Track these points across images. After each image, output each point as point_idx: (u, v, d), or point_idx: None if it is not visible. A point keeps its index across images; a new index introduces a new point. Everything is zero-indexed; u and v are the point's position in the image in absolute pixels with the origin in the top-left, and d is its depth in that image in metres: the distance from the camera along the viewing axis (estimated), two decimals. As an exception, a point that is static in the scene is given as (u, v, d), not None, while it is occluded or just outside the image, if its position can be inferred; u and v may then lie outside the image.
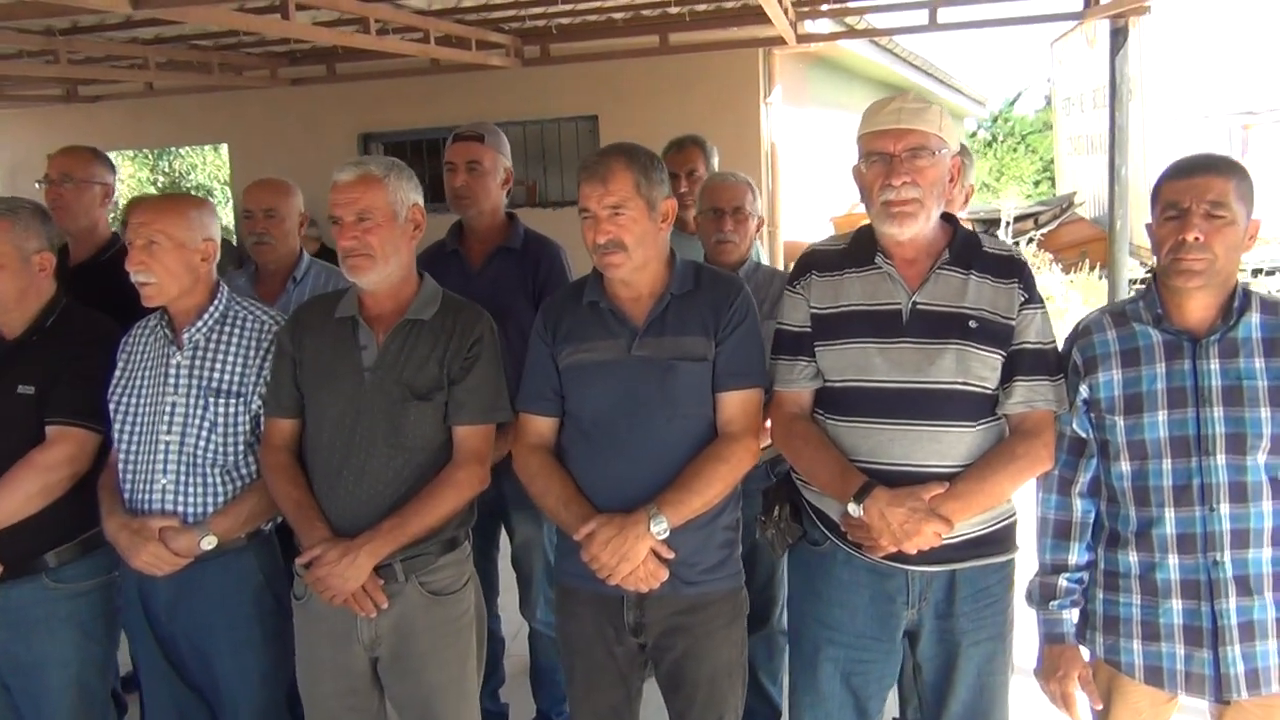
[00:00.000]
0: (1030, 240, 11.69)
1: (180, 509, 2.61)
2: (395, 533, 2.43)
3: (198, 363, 2.65)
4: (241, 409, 2.64)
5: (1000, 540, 2.38)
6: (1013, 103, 28.70)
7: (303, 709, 2.65)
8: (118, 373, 2.74)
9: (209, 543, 2.59)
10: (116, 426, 2.70)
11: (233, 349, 2.67)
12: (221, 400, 2.63)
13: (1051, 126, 36.91)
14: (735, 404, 2.42)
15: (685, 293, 2.45)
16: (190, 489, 2.62)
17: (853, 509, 2.24)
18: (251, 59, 9.18)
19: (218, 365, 2.65)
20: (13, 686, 2.77)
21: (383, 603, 2.45)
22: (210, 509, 2.62)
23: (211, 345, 2.67)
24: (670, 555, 2.35)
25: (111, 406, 2.71)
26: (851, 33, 8.87)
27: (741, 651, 2.53)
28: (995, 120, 27.90)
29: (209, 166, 18.00)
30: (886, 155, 2.29)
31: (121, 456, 2.69)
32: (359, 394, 2.48)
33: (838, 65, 11.52)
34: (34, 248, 2.75)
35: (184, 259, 2.62)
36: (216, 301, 2.70)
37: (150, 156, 17.18)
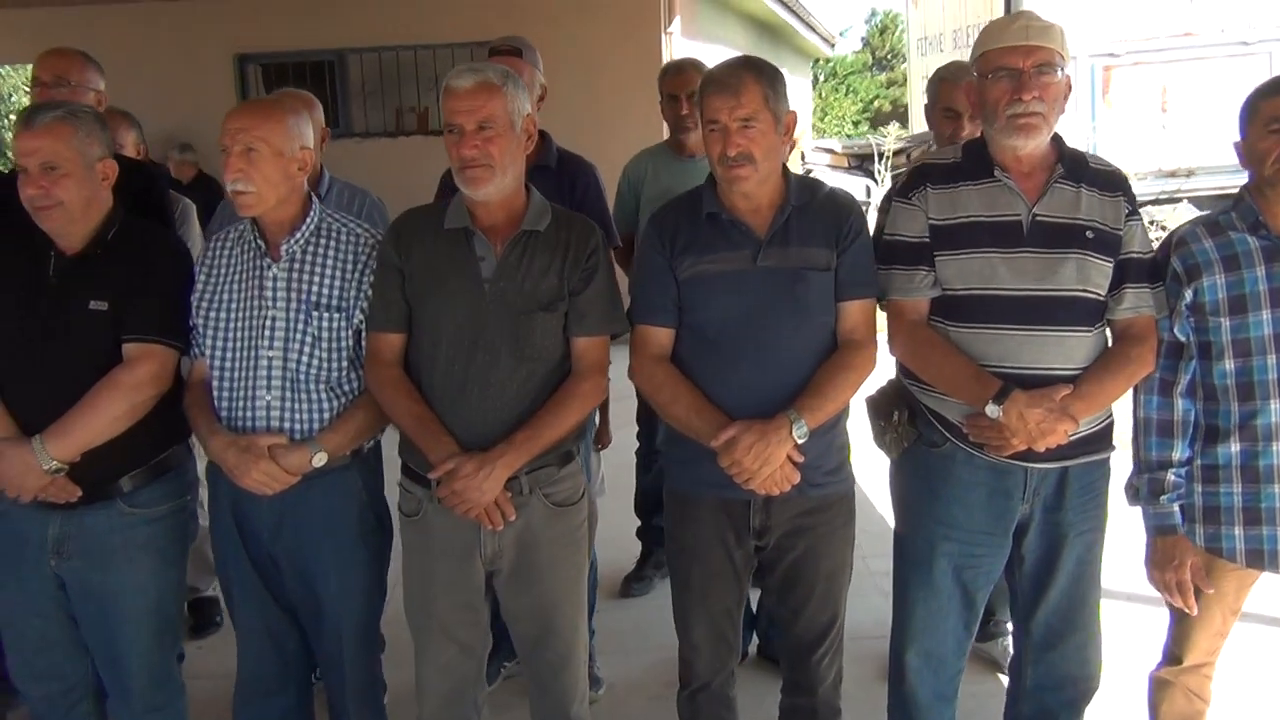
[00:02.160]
0: (901, 173, 12.10)
1: (286, 426, 2.54)
2: (529, 444, 2.42)
3: (295, 275, 2.56)
4: (343, 323, 2.57)
5: (1105, 438, 2.55)
6: (833, 45, 29.54)
7: None
8: (200, 286, 2.63)
9: (320, 460, 2.52)
10: (208, 343, 2.59)
11: (329, 261, 2.59)
12: (324, 314, 2.55)
13: (869, 68, 38.03)
14: (857, 312, 2.50)
15: (803, 204, 2.50)
16: (295, 405, 2.54)
17: (992, 410, 2.35)
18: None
19: (316, 278, 2.57)
20: (83, 616, 2.64)
21: (511, 515, 2.44)
22: (316, 425, 2.55)
23: (309, 258, 2.58)
24: (801, 459, 2.42)
25: (200, 322, 2.60)
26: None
27: (852, 551, 2.64)
28: (816, 62, 28.64)
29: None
30: (1015, 70, 2.38)
31: (216, 373, 2.58)
32: (479, 305, 2.44)
33: (723, 3, 11.61)
34: (97, 154, 2.59)
35: (282, 167, 2.52)
36: (312, 213, 2.60)
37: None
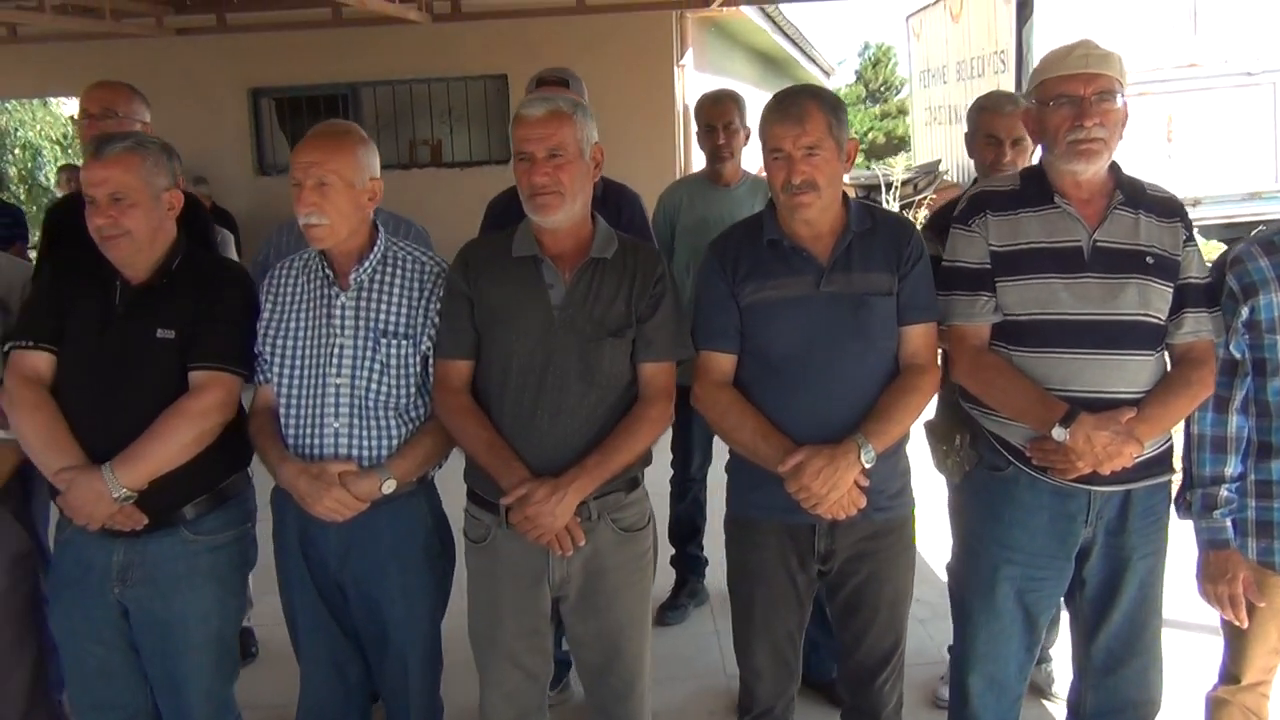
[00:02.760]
0: (910, 204, 12.23)
1: (354, 452, 2.55)
2: (600, 469, 2.44)
3: (363, 304, 2.58)
4: (411, 350, 2.59)
5: (1166, 461, 2.57)
6: (830, 76, 29.86)
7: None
8: (266, 315, 2.65)
9: (389, 486, 2.54)
10: (276, 370, 2.61)
11: (397, 290, 2.61)
12: (392, 341, 2.57)
13: (862, 100, 38.27)
14: (918, 337, 2.53)
15: (864, 230, 2.53)
16: (363, 432, 2.56)
17: (1058, 433, 2.38)
18: (136, 4, 8.71)
19: (384, 306, 2.59)
20: (145, 645, 2.64)
21: (581, 540, 2.46)
22: (384, 452, 2.57)
23: (376, 286, 2.60)
24: (866, 483, 2.44)
25: (266, 350, 2.62)
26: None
27: (913, 576, 2.66)
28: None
29: (39, 123, 16.83)
30: (1076, 97, 2.43)
31: (284, 400, 2.60)
32: (549, 332, 2.47)
33: (727, 32, 11.73)
34: (163, 185, 2.61)
35: (353, 199, 2.55)
36: (379, 242, 2.63)
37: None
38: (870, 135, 31.79)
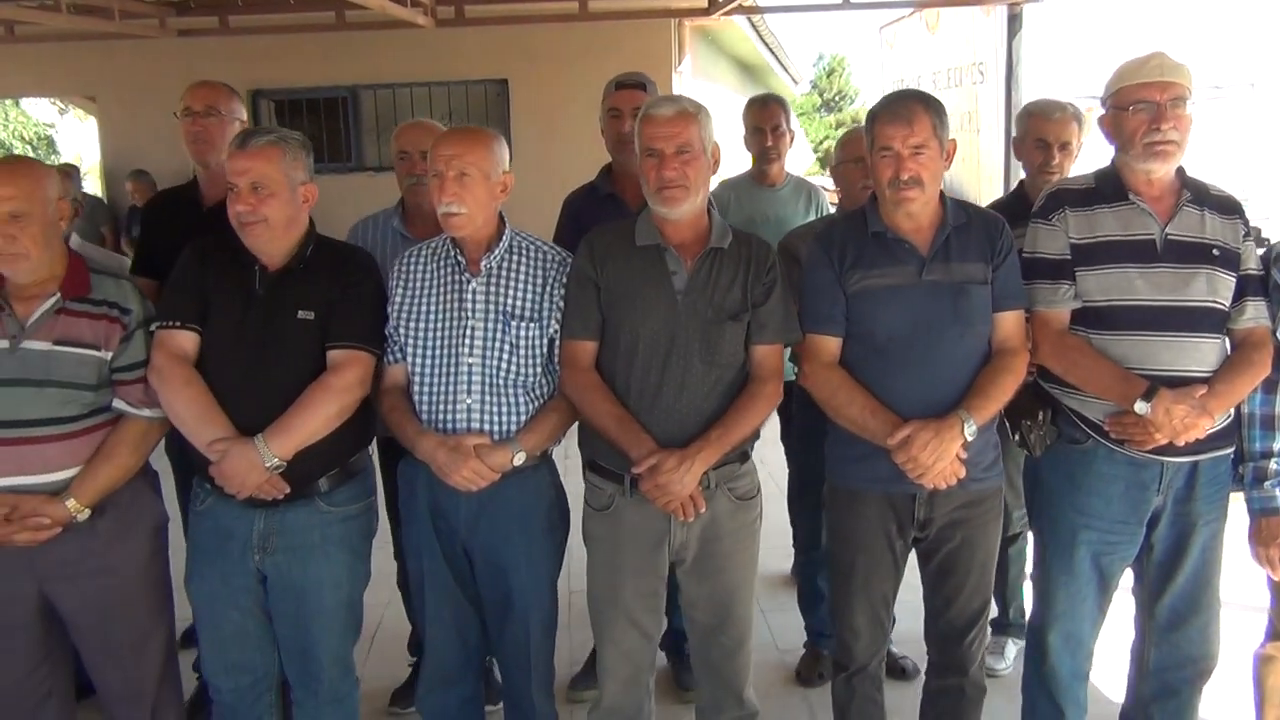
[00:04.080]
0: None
1: (485, 427, 2.74)
2: (722, 441, 2.65)
3: (493, 289, 2.77)
4: (538, 332, 2.77)
5: (1230, 435, 2.83)
6: (797, 84, 30.27)
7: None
8: (399, 298, 2.82)
9: (520, 458, 2.73)
10: (410, 350, 2.78)
11: (522, 276, 2.80)
12: (520, 324, 2.76)
13: (817, 109, 38.63)
14: (1011, 322, 2.76)
15: (960, 224, 2.76)
16: (494, 408, 2.74)
17: (1140, 407, 2.62)
18: (140, 5, 8.78)
19: (512, 291, 2.78)
20: (279, 610, 2.80)
21: (702, 508, 2.66)
22: (513, 426, 2.75)
23: (504, 272, 2.79)
24: (965, 456, 2.67)
25: (400, 331, 2.79)
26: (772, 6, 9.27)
27: (998, 543, 2.89)
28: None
29: (12, 123, 16.71)
30: (1153, 103, 2.68)
31: (417, 378, 2.78)
32: (673, 315, 2.67)
33: (715, 41, 11.98)
34: (300, 178, 2.78)
35: (489, 190, 2.74)
36: (506, 231, 2.82)
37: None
38: (825, 144, 32.25)
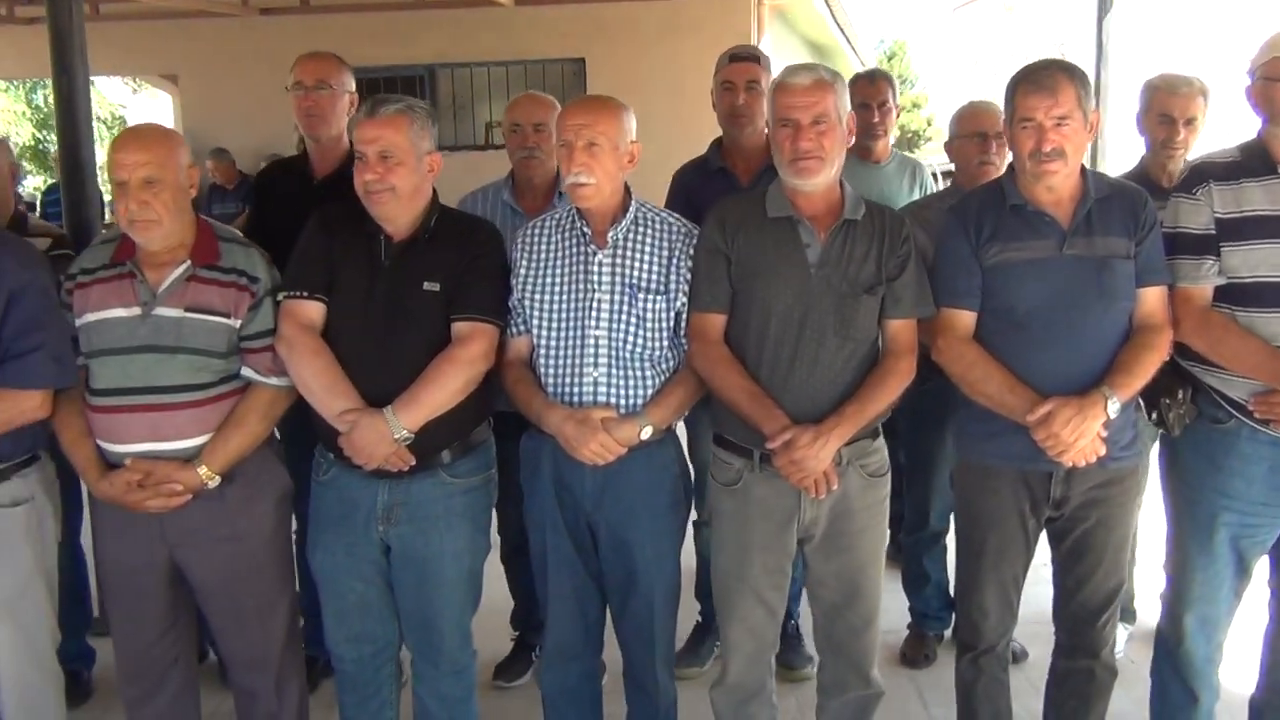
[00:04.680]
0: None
1: (612, 400, 2.71)
2: (857, 417, 2.60)
3: (619, 260, 2.74)
4: (664, 305, 2.74)
5: None
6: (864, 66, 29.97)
7: None
8: (523, 271, 2.80)
9: (647, 432, 2.70)
10: (536, 323, 2.76)
11: (648, 247, 2.76)
12: (648, 296, 2.73)
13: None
14: (1154, 298, 2.69)
15: (1102, 197, 2.69)
16: (621, 381, 2.72)
17: None
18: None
19: (638, 262, 2.74)
20: (402, 581, 2.80)
21: (835, 484, 2.62)
22: (639, 400, 2.72)
23: (630, 244, 2.76)
24: (1106, 434, 2.60)
25: (525, 304, 2.78)
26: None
27: (1136, 523, 2.82)
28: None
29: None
30: None
31: (543, 351, 2.76)
32: (807, 288, 2.62)
33: (787, 19, 11.85)
34: (426, 148, 2.76)
35: (617, 160, 2.71)
36: (632, 203, 2.78)
37: (22, 89, 16.08)
38: (887, 127, 31.83)
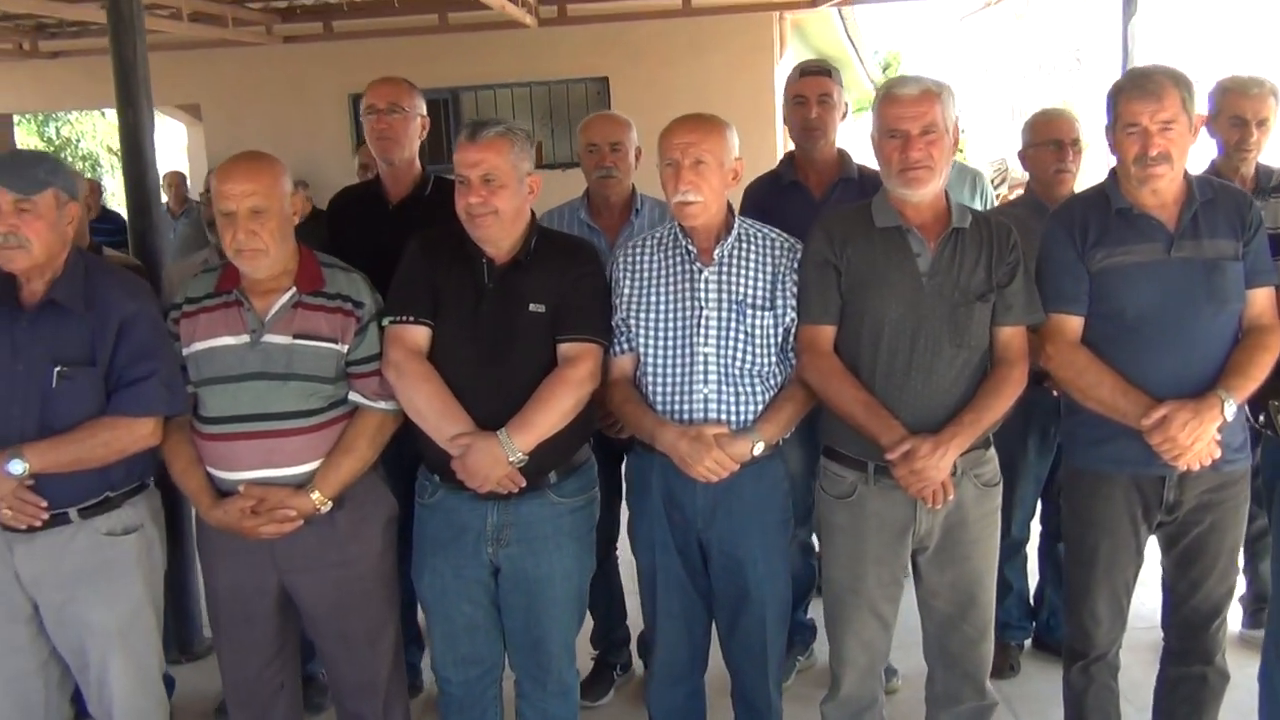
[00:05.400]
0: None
1: (722, 416, 2.71)
2: (974, 426, 2.60)
3: (725, 278, 2.74)
4: (772, 321, 2.74)
5: None
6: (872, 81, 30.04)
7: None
8: (627, 289, 2.80)
9: (759, 448, 2.69)
10: (643, 341, 2.76)
11: (753, 264, 2.77)
12: (755, 312, 2.73)
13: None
14: (1264, 299, 2.69)
15: (1207, 200, 2.69)
16: (731, 397, 2.71)
17: None
18: (250, 13, 8.89)
19: (745, 279, 2.75)
20: (511, 602, 2.79)
21: (951, 494, 2.61)
22: (749, 416, 2.72)
23: (736, 261, 2.76)
24: (1220, 437, 2.60)
25: (630, 322, 2.78)
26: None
27: (1245, 528, 2.81)
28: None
29: (98, 133, 17.03)
30: None
31: (652, 368, 2.75)
32: (919, 298, 2.62)
33: (803, 33, 11.90)
34: (526, 169, 2.76)
35: (723, 178, 2.71)
36: (736, 220, 2.79)
37: (36, 121, 16.14)
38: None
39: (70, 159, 17.01)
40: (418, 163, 3.67)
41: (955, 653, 2.81)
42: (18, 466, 2.53)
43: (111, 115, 17.82)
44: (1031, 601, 4.01)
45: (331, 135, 9.95)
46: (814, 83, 3.62)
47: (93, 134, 17.17)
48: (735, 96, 9.11)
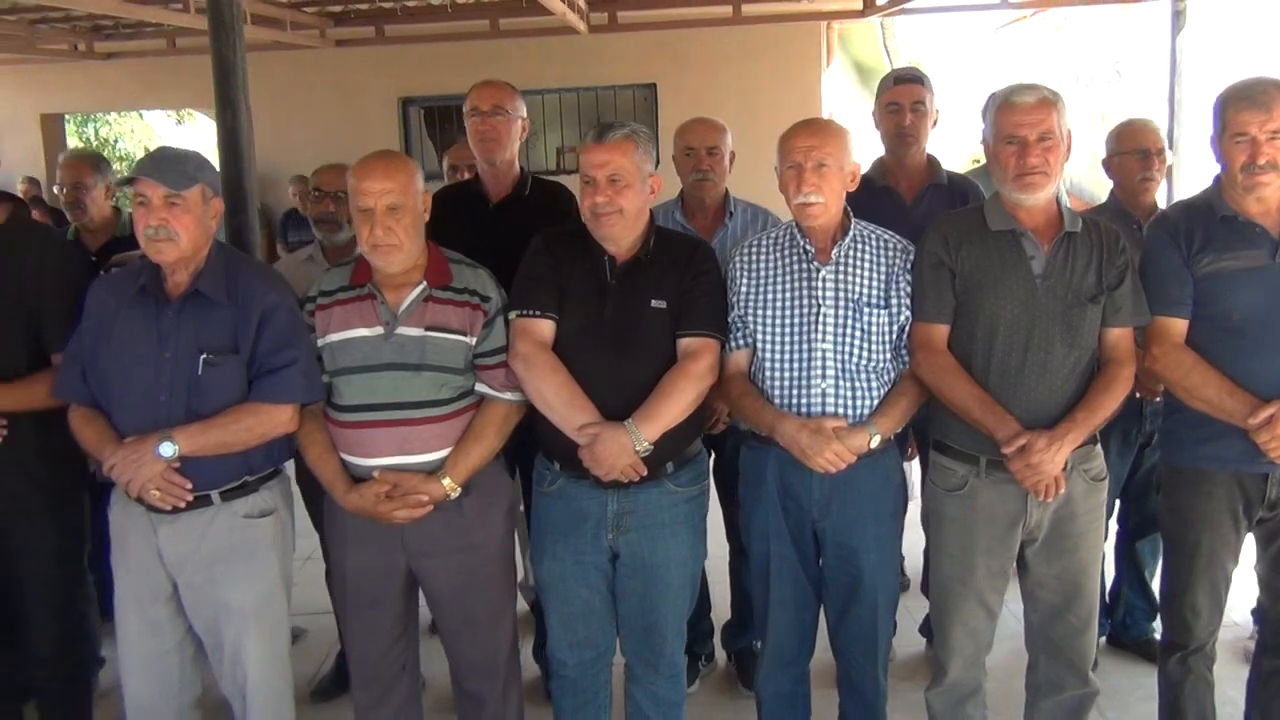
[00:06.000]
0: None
1: (840, 410, 2.80)
2: (1087, 423, 2.70)
3: (841, 277, 2.84)
4: (887, 319, 2.84)
5: None
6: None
7: None
8: (744, 287, 2.91)
9: (876, 441, 2.79)
10: (762, 337, 2.86)
11: (868, 263, 2.87)
12: (871, 310, 2.83)
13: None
14: None
15: None
16: (848, 392, 2.81)
17: None
18: (305, 16, 9.01)
19: (860, 278, 2.85)
20: (627, 588, 2.89)
21: (1064, 487, 2.71)
22: (865, 410, 2.82)
23: (852, 260, 2.86)
24: None
25: (750, 319, 2.88)
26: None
27: None
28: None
29: (137, 135, 17.23)
30: None
31: (770, 363, 2.85)
32: (1033, 299, 2.72)
33: (843, 43, 12.00)
34: (649, 170, 2.87)
35: (842, 181, 2.82)
36: (852, 221, 2.89)
37: (75, 121, 16.32)
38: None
39: (112, 159, 17.27)
40: (517, 164, 3.78)
41: (1059, 642, 2.90)
42: (168, 449, 2.64)
43: (150, 116, 18.09)
44: (1108, 599, 4.09)
45: (381, 139, 10.06)
46: (908, 90, 3.72)
47: (131, 135, 17.36)
48: (782, 105, 9.20)
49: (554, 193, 3.82)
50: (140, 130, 17.36)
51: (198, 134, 20.55)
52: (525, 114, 3.80)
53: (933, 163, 3.79)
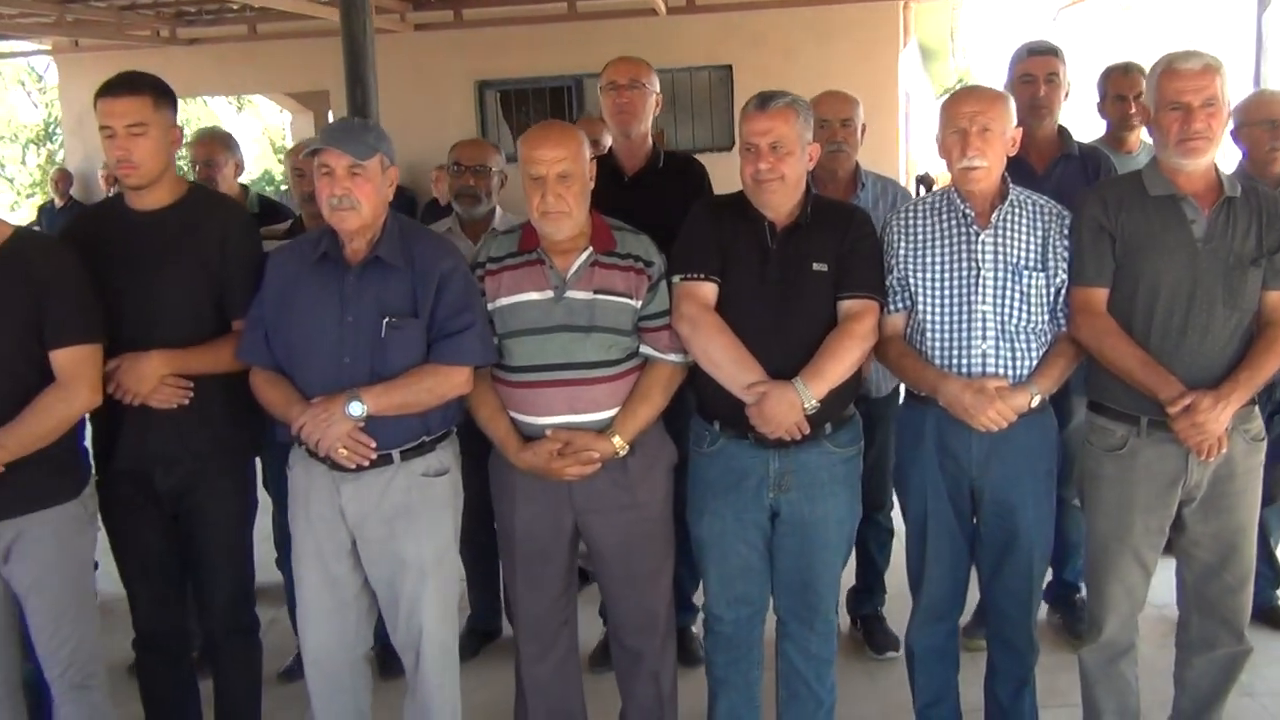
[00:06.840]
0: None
1: (1000, 370, 2.87)
2: (1250, 384, 2.76)
3: (1000, 240, 2.91)
4: (1044, 281, 2.90)
5: None
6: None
7: None
8: (902, 251, 2.98)
9: (1036, 400, 2.86)
10: (922, 299, 2.94)
11: (1024, 227, 2.93)
12: (1030, 274, 2.89)
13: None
14: None
15: None
16: (1008, 353, 2.88)
17: None
18: (387, 1, 9.11)
19: (1019, 242, 2.91)
20: (785, 546, 2.97)
21: (1225, 447, 2.76)
22: (1024, 370, 2.89)
23: (1010, 225, 2.92)
24: None
25: (910, 281, 2.96)
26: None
27: None
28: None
29: (200, 120, 17.50)
30: None
31: (932, 325, 2.93)
32: (1195, 262, 2.78)
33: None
34: (809, 138, 2.94)
35: (1004, 146, 2.88)
36: (1011, 186, 2.95)
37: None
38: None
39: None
40: (650, 137, 3.86)
41: (1214, 600, 2.95)
42: (357, 408, 2.75)
43: (215, 103, 18.35)
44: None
45: (458, 122, 10.18)
46: (1042, 62, 3.77)
47: (196, 120, 17.61)
48: (857, 86, 9.03)
49: (686, 165, 3.90)
50: (206, 116, 17.61)
51: (257, 121, 20.84)
52: (658, 89, 3.88)
53: (1064, 134, 3.83)
